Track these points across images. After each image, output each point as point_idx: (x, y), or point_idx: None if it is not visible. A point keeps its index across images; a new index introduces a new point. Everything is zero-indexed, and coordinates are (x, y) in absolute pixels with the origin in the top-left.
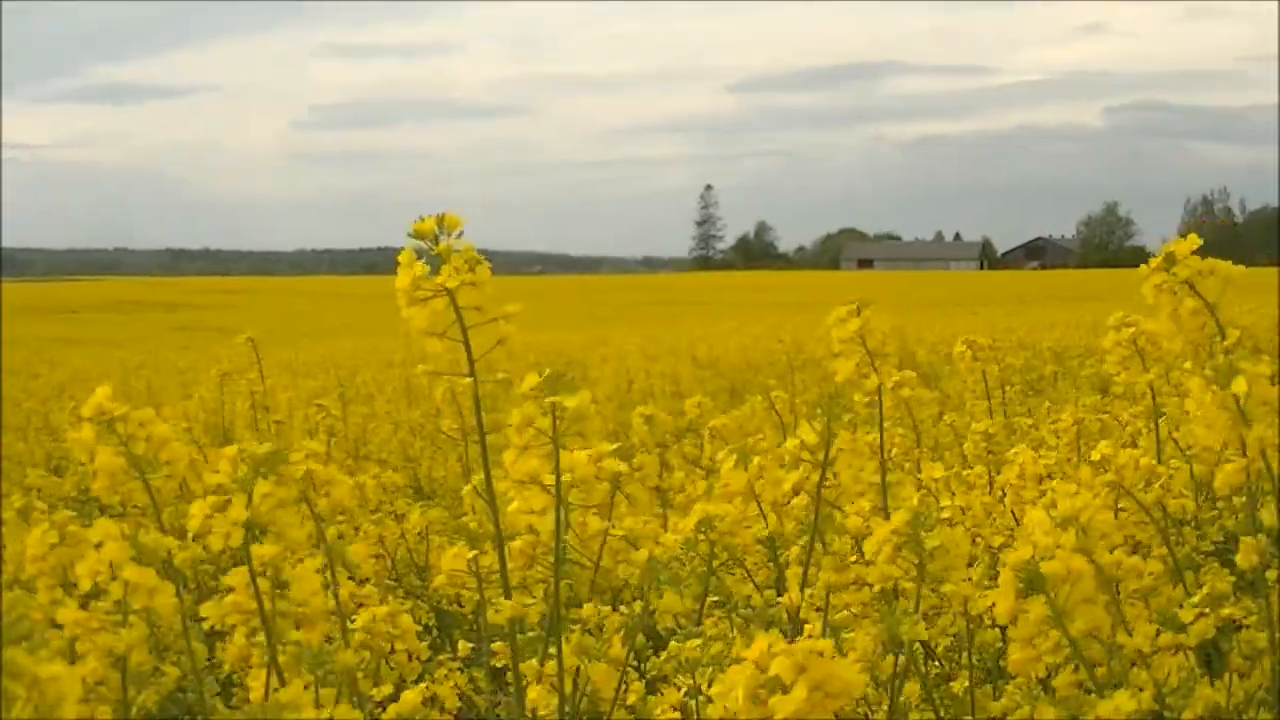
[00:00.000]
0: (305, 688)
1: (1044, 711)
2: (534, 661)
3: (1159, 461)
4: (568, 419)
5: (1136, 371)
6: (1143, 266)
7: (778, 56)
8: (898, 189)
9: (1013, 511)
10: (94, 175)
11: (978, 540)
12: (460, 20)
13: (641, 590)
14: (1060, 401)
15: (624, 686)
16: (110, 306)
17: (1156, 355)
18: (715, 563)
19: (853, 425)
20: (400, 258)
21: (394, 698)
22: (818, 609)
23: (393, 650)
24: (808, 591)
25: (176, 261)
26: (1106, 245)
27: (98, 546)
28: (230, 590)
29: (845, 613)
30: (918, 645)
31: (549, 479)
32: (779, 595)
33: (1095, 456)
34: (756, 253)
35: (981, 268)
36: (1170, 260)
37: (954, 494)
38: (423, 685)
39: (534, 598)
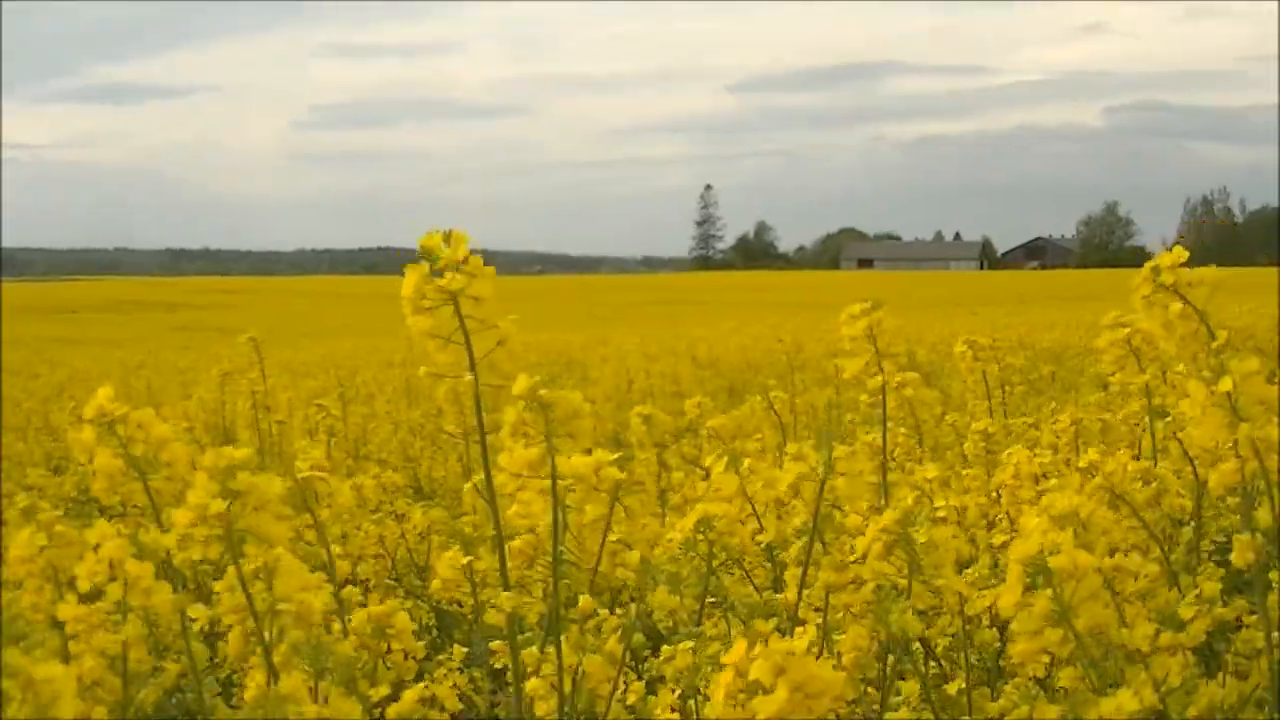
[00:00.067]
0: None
1: (1044, 710)
2: (534, 650)
3: (1155, 463)
4: (558, 419)
5: (1132, 371)
6: (1135, 278)
7: (778, 56)
8: (898, 189)
9: (1008, 512)
10: (94, 175)
11: (975, 540)
12: (460, 20)
13: (639, 591)
14: (1063, 401)
15: (624, 686)
16: (110, 306)
17: (1152, 355)
18: (715, 563)
19: (852, 428)
20: (407, 268)
21: (394, 697)
22: (816, 609)
23: (389, 650)
24: (806, 592)
25: (176, 261)
26: (1106, 245)
27: (96, 548)
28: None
29: (843, 613)
30: (917, 645)
31: (544, 481)
32: (777, 595)
33: (1083, 463)
34: (756, 253)
35: (981, 268)
36: (1157, 272)
37: (948, 494)
38: (421, 685)
39: (533, 597)
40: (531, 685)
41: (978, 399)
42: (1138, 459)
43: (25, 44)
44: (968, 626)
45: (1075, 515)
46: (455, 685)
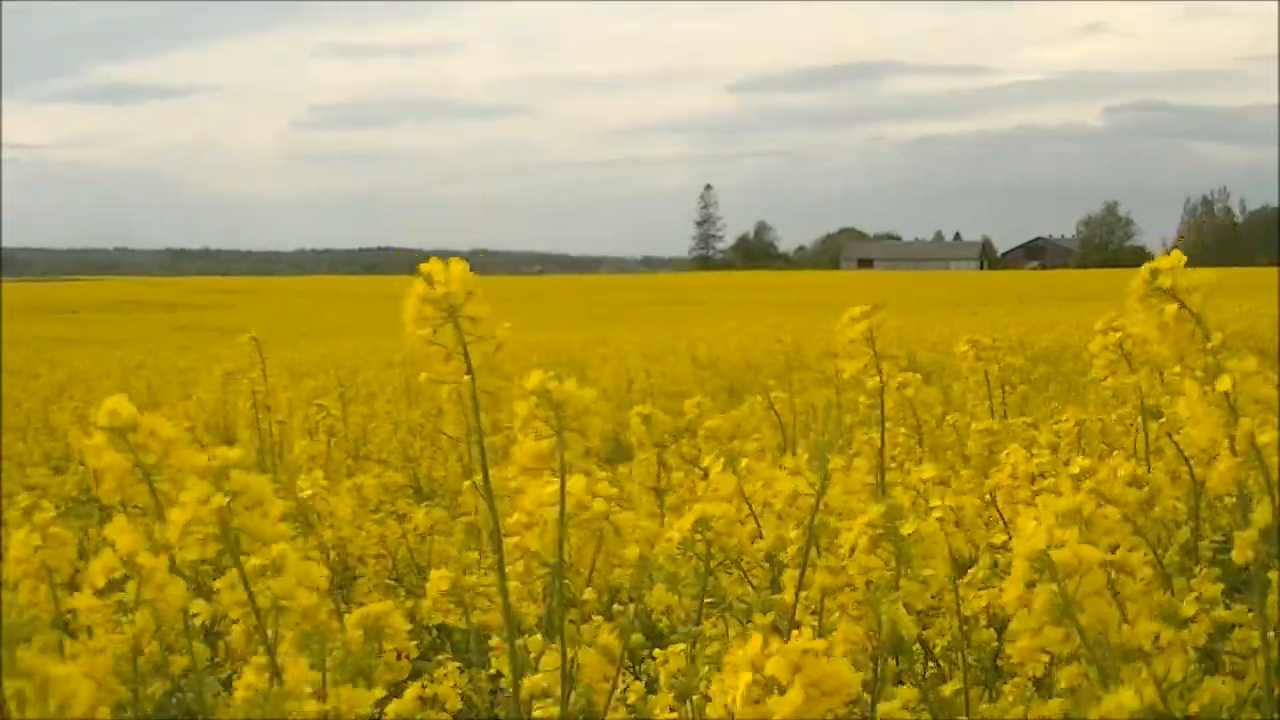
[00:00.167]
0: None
1: (1042, 709)
2: (536, 638)
3: (1149, 465)
4: (569, 415)
5: (1124, 374)
6: (1132, 280)
7: (778, 56)
8: (898, 189)
9: (1001, 513)
10: (94, 175)
11: (974, 541)
12: (460, 20)
13: (638, 591)
14: (1064, 401)
15: (624, 686)
16: (110, 306)
17: (1144, 358)
18: (713, 563)
19: (850, 432)
20: (408, 291)
21: (396, 694)
22: (813, 611)
23: (381, 651)
24: (803, 594)
25: (176, 261)
26: (1106, 245)
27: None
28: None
29: (839, 614)
30: (917, 646)
31: (553, 479)
32: (775, 596)
33: (1075, 469)
34: (756, 253)
35: (981, 268)
36: (1153, 276)
37: (945, 494)
38: (419, 684)
39: (533, 599)
40: (530, 682)
41: (979, 399)
42: (1134, 458)
43: (25, 44)
44: (965, 626)
45: (1078, 513)
46: (455, 685)
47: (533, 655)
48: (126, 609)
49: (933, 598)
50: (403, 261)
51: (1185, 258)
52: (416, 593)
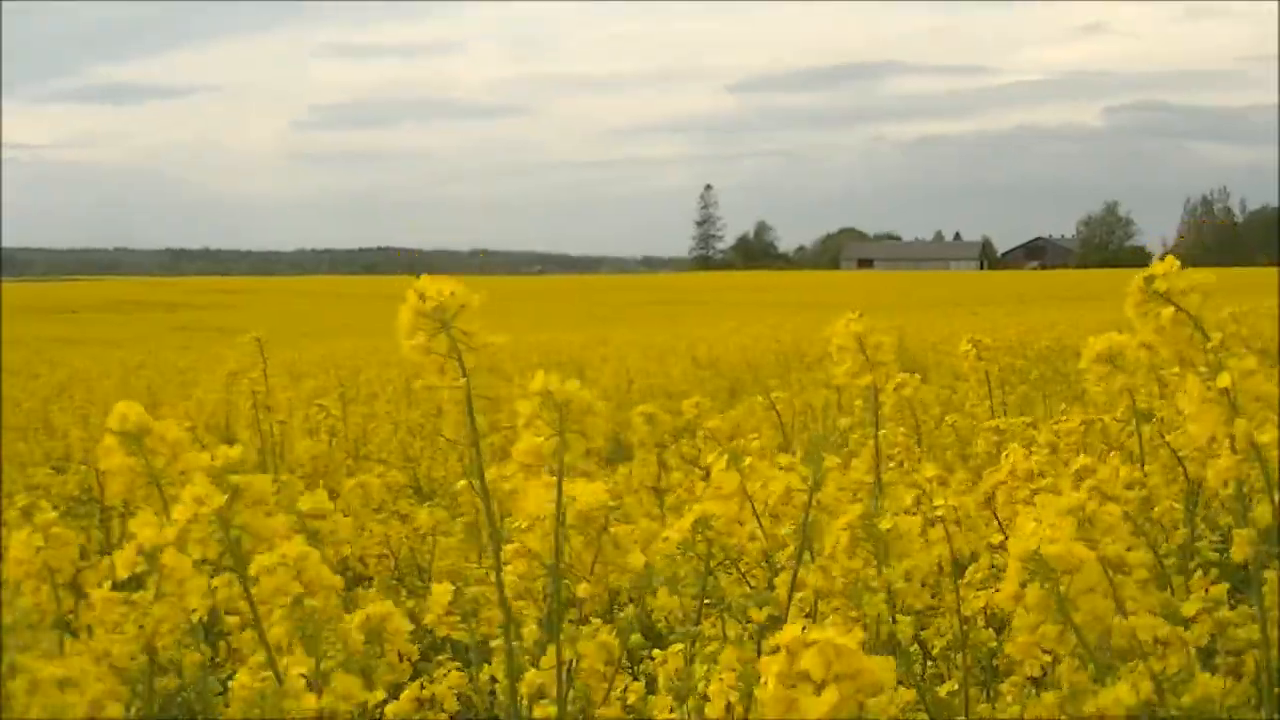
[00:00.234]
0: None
1: (1039, 708)
2: (532, 626)
3: (1143, 466)
4: (572, 415)
5: (1117, 379)
6: (1130, 283)
7: (778, 56)
8: (898, 189)
9: (997, 514)
10: (94, 175)
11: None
12: (460, 20)
13: (637, 592)
14: (1065, 400)
15: (624, 686)
16: (110, 306)
17: (1135, 364)
18: (713, 563)
19: (846, 434)
20: (402, 308)
21: (395, 695)
22: (806, 614)
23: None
24: (798, 595)
25: (176, 261)
26: (1106, 245)
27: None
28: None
29: (830, 615)
30: (915, 647)
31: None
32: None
33: (1076, 466)
34: (756, 253)
35: (981, 268)
36: (1149, 281)
37: (946, 494)
38: (417, 684)
39: (532, 601)
40: (530, 677)
41: (980, 399)
42: (1130, 461)
43: (25, 44)
44: (964, 626)
45: (1080, 510)
46: (454, 686)
47: (529, 646)
48: (135, 606)
49: (933, 597)
50: (403, 261)
51: (1179, 262)
52: (418, 593)
